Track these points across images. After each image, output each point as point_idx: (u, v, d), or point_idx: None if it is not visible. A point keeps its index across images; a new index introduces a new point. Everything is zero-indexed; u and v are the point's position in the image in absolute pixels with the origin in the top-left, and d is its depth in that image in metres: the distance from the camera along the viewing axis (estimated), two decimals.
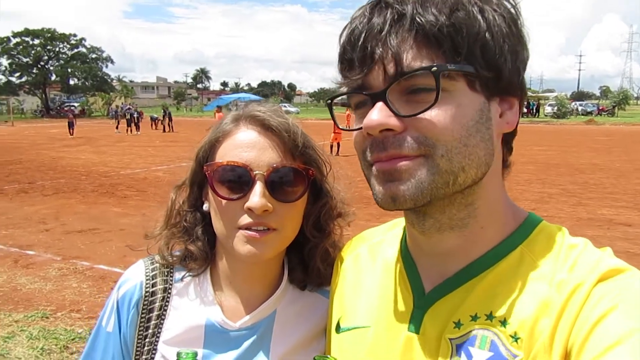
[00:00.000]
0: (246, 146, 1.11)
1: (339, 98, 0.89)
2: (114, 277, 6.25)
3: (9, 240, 8.41)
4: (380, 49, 0.77)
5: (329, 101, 0.91)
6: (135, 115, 38.30)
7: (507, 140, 0.89)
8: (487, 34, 0.78)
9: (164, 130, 38.55)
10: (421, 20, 0.76)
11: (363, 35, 0.79)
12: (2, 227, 9.21)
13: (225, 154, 1.12)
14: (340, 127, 0.99)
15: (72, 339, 4.96)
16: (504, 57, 0.79)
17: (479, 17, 0.78)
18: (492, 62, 0.79)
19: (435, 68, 0.75)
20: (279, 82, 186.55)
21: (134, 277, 1.21)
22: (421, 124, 0.77)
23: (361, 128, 0.82)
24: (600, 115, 64.84)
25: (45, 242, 8.32)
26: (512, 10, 0.82)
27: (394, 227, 1.10)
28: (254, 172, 1.08)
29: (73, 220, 9.79)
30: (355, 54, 0.80)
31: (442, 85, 0.76)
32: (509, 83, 0.82)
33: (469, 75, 0.78)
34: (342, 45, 0.84)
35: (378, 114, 0.77)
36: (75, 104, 74.60)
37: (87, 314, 5.50)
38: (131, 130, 36.58)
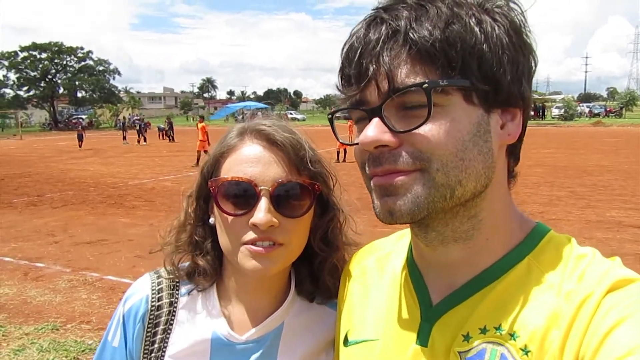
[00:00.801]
0: (251, 161, 1.10)
1: (340, 112, 0.90)
2: (123, 288, 6.26)
3: (18, 253, 8.45)
4: (374, 66, 0.78)
5: (330, 116, 0.93)
6: (142, 126, 38.73)
7: (512, 150, 0.88)
8: (484, 46, 0.77)
9: (170, 140, 38.77)
10: (414, 36, 0.76)
11: (359, 51, 0.80)
12: (12, 240, 9.26)
13: (230, 169, 1.11)
14: (341, 140, 0.99)
15: (82, 351, 4.97)
16: (503, 68, 0.78)
17: (476, 29, 0.77)
18: (489, 74, 0.78)
19: (426, 85, 0.75)
20: (285, 90, 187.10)
21: (140, 291, 1.21)
22: (416, 139, 0.77)
23: (355, 144, 0.84)
24: (608, 116, 64.51)
25: (54, 254, 8.35)
26: (516, 18, 0.81)
27: (402, 238, 1.09)
28: (259, 188, 1.07)
29: (82, 232, 9.83)
30: (352, 70, 0.81)
31: (436, 101, 0.75)
32: (509, 94, 0.80)
33: (464, 89, 0.77)
34: (342, 61, 0.84)
35: (373, 130, 0.78)
36: (83, 116, 75.23)
37: (97, 325, 5.51)
38: (140, 141, 36.83)
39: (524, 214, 0.93)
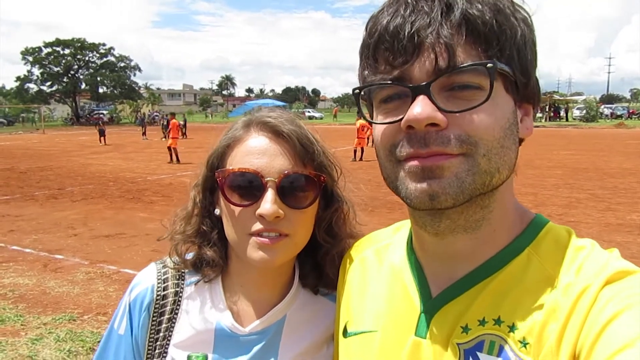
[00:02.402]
0: (257, 152, 1.11)
1: (364, 90, 0.85)
2: None
3: (38, 244, 8.61)
4: (432, 39, 0.74)
5: (357, 91, 0.85)
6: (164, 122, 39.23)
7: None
8: (521, 40, 0.78)
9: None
10: (471, 15, 0.75)
11: (409, 24, 0.75)
12: (33, 232, 9.44)
13: (237, 160, 1.12)
14: (369, 120, 0.89)
15: (98, 341, 4.98)
16: (532, 64, 0.81)
17: (514, 22, 0.78)
18: (525, 67, 0.80)
19: (490, 65, 0.74)
20: (303, 88, 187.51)
21: (146, 280, 1.22)
22: (465, 121, 0.76)
23: (392, 122, 0.80)
24: (631, 118, 63.30)
25: (73, 247, 8.49)
26: (530, 19, 0.82)
27: (400, 230, 1.09)
28: (265, 179, 1.08)
29: (100, 225, 9.97)
30: (398, 42, 0.76)
31: (487, 84, 0.75)
32: (533, 90, 0.83)
33: (508, 76, 0.78)
34: (378, 34, 0.79)
35: (423, 107, 0.74)
36: (104, 112, 76.25)
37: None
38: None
39: (522, 205, 0.93)
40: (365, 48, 0.83)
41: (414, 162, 0.78)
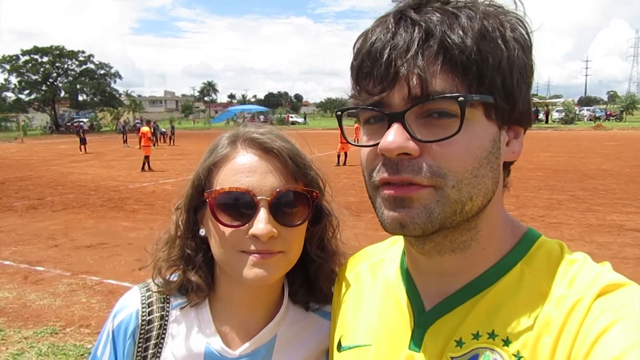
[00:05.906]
0: (247, 171, 1.07)
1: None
2: (123, 292, 6.18)
3: (18, 256, 8.45)
4: (406, 69, 0.74)
5: (339, 113, 0.87)
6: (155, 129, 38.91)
7: (507, 165, 0.88)
8: (507, 64, 0.77)
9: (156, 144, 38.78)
10: (450, 44, 0.74)
11: (387, 50, 0.76)
12: (12, 244, 9.26)
13: (226, 180, 1.08)
14: (350, 141, 0.93)
15: (82, 355, 4.96)
16: (519, 87, 0.79)
17: (502, 46, 0.77)
18: (509, 92, 0.78)
19: (462, 98, 0.73)
20: (286, 93, 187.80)
21: (130, 305, 1.18)
22: (437, 151, 0.76)
23: (372, 145, 0.80)
24: (609, 120, 64.51)
25: (54, 258, 8.35)
26: (527, 36, 0.81)
27: (394, 244, 1.09)
28: (257, 198, 1.04)
29: (82, 236, 9.82)
30: (377, 69, 0.77)
31: (466, 115, 0.74)
32: (521, 113, 0.82)
33: (487, 105, 0.77)
34: (360, 57, 0.80)
35: (396, 136, 0.75)
36: (84, 120, 75.34)
37: (96, 329, 5.49)
38: (157, 143, 36.74)
39: (515, 218, 0.93)
40: (351, 68, 0.84)
41: (385, 190, 0.79)
